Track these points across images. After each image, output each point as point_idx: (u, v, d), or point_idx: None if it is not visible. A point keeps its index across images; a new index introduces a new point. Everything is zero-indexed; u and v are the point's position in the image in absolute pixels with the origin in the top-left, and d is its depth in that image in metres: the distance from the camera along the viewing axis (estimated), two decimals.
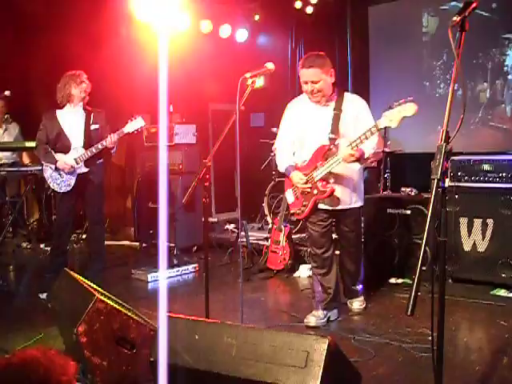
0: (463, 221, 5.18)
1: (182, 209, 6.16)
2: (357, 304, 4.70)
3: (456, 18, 2.34)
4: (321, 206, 4.26)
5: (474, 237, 5.14)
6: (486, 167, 5.11)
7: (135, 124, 5.15)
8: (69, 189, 5.24)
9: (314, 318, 4.32)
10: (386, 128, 4.35)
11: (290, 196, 4.38)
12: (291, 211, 4.43)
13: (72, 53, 7.05)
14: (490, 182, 5.08)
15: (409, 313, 2.08)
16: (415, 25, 8.02)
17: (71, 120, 5.27)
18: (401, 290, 5.14)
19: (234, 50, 8.80)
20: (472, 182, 5.16)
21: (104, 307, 3.20)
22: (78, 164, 5.18)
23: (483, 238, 5.09)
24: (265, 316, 4.56)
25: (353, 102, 4.25)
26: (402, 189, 5.71)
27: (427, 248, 4.94)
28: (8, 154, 7.43)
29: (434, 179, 2.12)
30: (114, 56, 7.50)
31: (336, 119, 4.15)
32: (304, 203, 4.24)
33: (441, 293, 2.29)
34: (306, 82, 4.11)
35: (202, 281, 3.68)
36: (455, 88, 2.32)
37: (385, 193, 6.12)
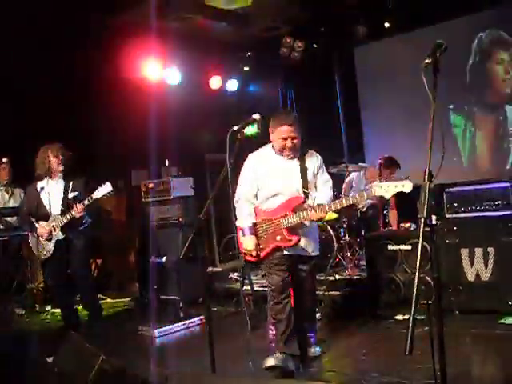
0: (464, 251, 5.20)
1: (181, 262, 6.18)
2: (312, 350, 4.56)
3: (427, 60, 2.43)
4: (285, 252, 4.29)
5: (477, 266, 5.14)
6: (481, 196, 5.16)
7: (104, 189, 5.38)
8: (48, 255, 5.57)
9: (274, 360, 4.27)
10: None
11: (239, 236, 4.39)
12: (242, 251, 4.34)
13: (65, 113, 7.23)
14: (486, 210, 5.13)
15: (407, 353, 2.10)
16: (402, 61, 8.19)
17: (50, 190, 5.62)
18: (409, 326, 5.09)
19: (226, 100, 8.96)
20: (469, 212, 5.22)
21: (110, 367, 3.20)
22: (55, 231, 5.49)
23: (486, 266, 5.10)
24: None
25: (314, 159, 4.44)
26: (401, 224, 5.76)
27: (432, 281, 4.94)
28: (14, 218, 7.55)
29: (420, 218, 2.17)
30: (109, 114, 7.66)
31: (304, 174, 4.32)
32: (261, 246, 4.30)
33: (439, 327, 2.31)
34: (286, 138, 4.23)
35: (209, 333, 3.68)
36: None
37: (384, 230, 6.16)
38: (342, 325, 5.44)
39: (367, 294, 5.72)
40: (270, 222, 4.29)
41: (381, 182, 4.02)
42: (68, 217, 5.42)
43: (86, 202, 5.37)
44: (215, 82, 9.03)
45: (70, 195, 5.56)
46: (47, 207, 5.56)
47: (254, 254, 4.25)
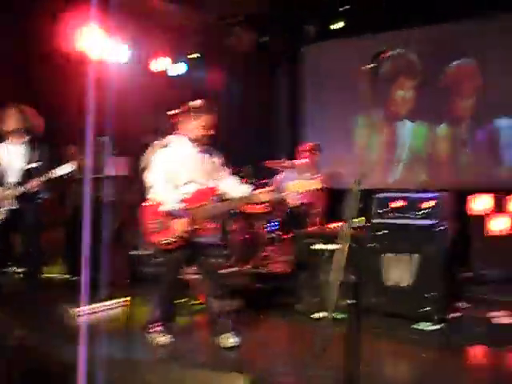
0: (387, 256, 5.35)
1: (108, 243, 6.08)
2: (231, 340, 4.52)
3: (369, 65, 2.49)
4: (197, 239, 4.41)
5: (399, 271, 5.30)
6: (409, 204, 5.33)
7: (63, 169, 5.20)
8: None
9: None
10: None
11: (156, 225, 4.38)
12: (156, 240, 4.38)
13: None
14: (411, 218, 5.29)
15: (320, 351, 2.14)
16: (346, 63, 8.32)
17: (12, 154, 5.32)
18: (326, 325, 5.19)
19: (171, 84, 8.86)
20: (394, 218, 5.36)
21: (24, 342, 3.14)
22: (7, 200, 5.17)
23: (406, 273, 5.26)
24: (191, 353, 4.53)
25: (217, 155, 4.64)
26: (329, 225, 5.86)
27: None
28: None
29: (345, 220, 2.22)
30: (42, 87, 7.42)
31: (213, 165, 4.54)
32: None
33: (355, 328, 2.38)
34: (209, 127, 4.43)
35: (131, 315, 3.65)
36: None
37: (313, 228, 6.25)
38: (262, 319, 5.50)
39: (290, 290, 5.81)
40: (187, 211, 4.32)
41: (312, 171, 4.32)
42: (22, 189, 5.17)
43: (42, 178, 5.14)
44: (161, 64, 8.91)
45: (32, 165, 5.29)
46: (6, 172, 5.28)
47: (188, 235, 4.28)
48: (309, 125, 9.00)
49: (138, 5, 7.73)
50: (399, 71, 8.26)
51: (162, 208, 4.34)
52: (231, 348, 4.52)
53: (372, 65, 2.49)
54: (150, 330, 4.55)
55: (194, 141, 4.43)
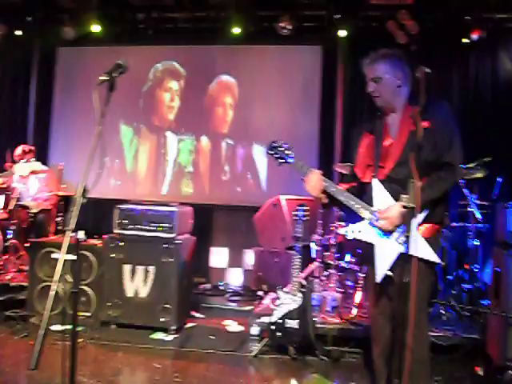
0: (127, 267, 5.38)
1: None
2: None
3: (104, 77, 2.48)
4: None
5: (137, 283, 5.36)
6: (149, 217, 5.43)
7: None
8: None
9: None
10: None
11: None
12: None
13: None
14: (152, 231, 5.40)
15: (32, 367, 2.05)
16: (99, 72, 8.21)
17: None
18: (61, 337, 5.01)
19: None
20: (136, 230, 5.42)
21: None
22: None
23: (145, 284, 5.34)
24: None
25: None
26: (71, 234, 5.68)
27: (93, 294, 5.06)
28: None
29: (67, 230, 2.17)
30: None
31: None
32: None
33: (72, 340, 2.34)
34: None
35: None
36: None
37: (54, 237, 6.02)
38: None
39: (26, 303, 5.50)
40: None
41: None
42: None
43: None
44: None
45: None
46: None
47: None
48: (53, 129, 8.61)
49: None
50: (164, 75, 8.39)
51: None
52: None
53: (107, 77, 2.48)
54: None
55: None
